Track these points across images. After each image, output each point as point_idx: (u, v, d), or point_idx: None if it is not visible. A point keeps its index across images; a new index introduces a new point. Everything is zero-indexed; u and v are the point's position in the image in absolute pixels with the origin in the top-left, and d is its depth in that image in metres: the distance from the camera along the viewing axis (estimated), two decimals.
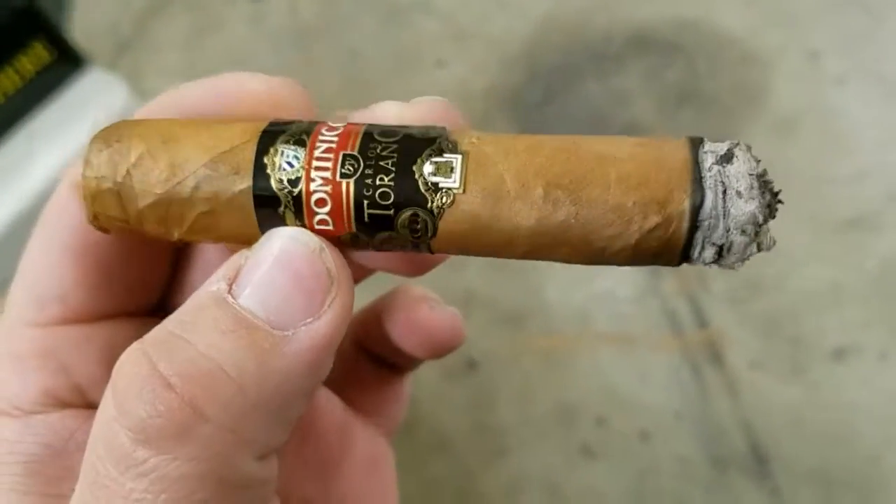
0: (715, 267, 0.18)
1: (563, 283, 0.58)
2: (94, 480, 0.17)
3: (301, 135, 0.19)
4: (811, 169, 0.61)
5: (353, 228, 0.19)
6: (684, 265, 0.19)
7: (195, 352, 0.17)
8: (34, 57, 0.44)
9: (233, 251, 0.19)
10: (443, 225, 0.18)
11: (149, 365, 0.17)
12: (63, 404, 0.21)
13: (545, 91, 0.68)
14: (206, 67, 0.73)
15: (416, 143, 0.18)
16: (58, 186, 0.22)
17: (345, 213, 0.18)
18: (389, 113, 0.20)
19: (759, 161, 0.17)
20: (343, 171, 0.18)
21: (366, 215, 0.18)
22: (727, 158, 0.17)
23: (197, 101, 0.21)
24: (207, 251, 0.24)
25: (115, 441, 0.17)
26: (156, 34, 0.76)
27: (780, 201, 0.18)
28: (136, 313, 0.24)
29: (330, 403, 0.27)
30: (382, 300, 0.27)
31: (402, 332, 0.26)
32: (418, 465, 0.53)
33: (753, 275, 0.57)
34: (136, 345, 0.18)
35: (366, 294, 0.26)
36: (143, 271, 0.23)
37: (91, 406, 0.21)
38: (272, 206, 0.19)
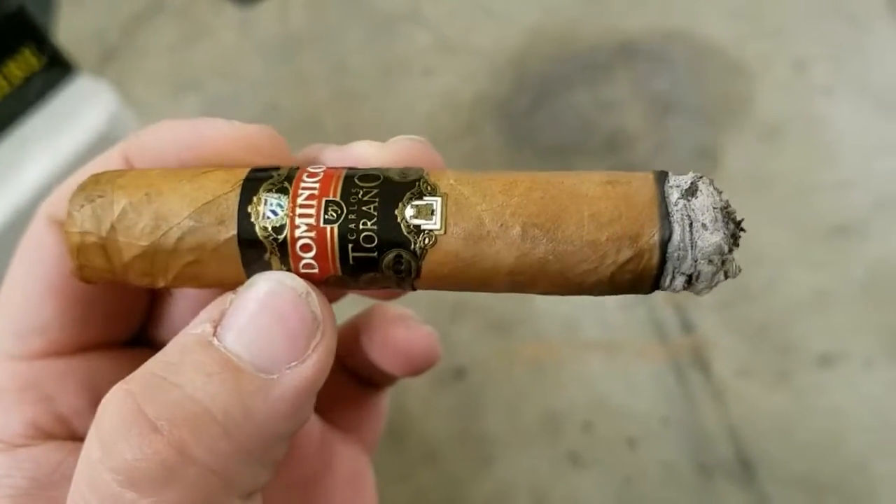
0: (685, 293, 0.19)
1: None
2: None
3: (283, 182, 0.19)
4: (797, 177, 0.62)
5: (339, 271, 0.19)
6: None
7: (181, 394, 0.17)
8: (23, 63, 0.44)
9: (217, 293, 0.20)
10: (426, 265, 0.19)
11: (135, 407, 0.17)
12: (47, 436, 0.21)
13: (533, 100, 0.69)
14: (192, 75, 0.73)
15: (397, 187, 0.19)
16: (34, 220, 0.22)
17: (330, 256, 0.19)
18: (365, 154, 0.21)
19: (722, 192, 0.18)
20: (326, 216, 0.19)
21: (350, 258, 0.19)
22: (692, 192, 0.18)
23: (175, 145, 0.21)
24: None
25: (99, 481, 0.17)
26: (143, 41, 0.76)
27: (742, 230, 0.19)
28: (115, 344, 0.24)
29: (309, 421, 0.27)
30: (360, 318, 0.27)
31: (380, 351, 0.27)
32: (406, 474, 0.53)
33: (739, 282, 0.57)
34: (120, 385, 0.18)
35: (345, 308, 0.26)
36: (122, 303, 0.23)
37: (75, 437, 0.22)
38: (258, 253, 0.19)
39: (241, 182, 0.19)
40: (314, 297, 0.19)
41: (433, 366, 0.27)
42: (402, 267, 0.19)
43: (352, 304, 0.28)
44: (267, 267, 0.19)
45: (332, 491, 0.27)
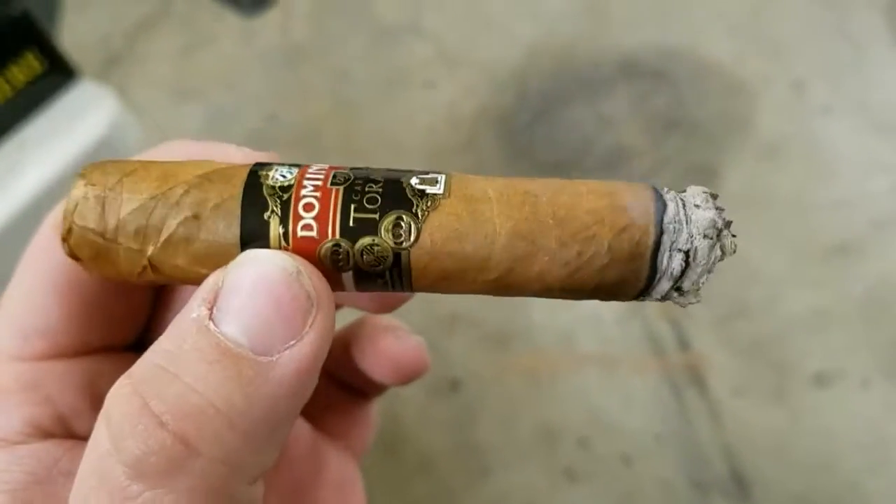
0: (676, 296, 0.19)
1: (549, 304, 0.58)
2: None
3: (294, 164, 0.20)
4: (796, 196, 0.62)
5: (337, 234, 0.19)
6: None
7: (183, 386, 0.17)
8: (25, 67, 0.44)
9: None
10: (426, 229, 0.19)
11: (140, 402, 0.17)
12: (46, 434, 0.22)
13: (533, 114, 0.69)
14: (194, 83, 0.74)
15: (402, 172, 0.19)
16: (42, 226, 0.22)
17: (331, 216, 0.19)
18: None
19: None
20: (334, 181, 0.19)
21: (351, 219, 0.19)
22: (680, 192, 0.19)
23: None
24: (185, 293, 0.24)
25: (109, 474, 0.17)
26: (146, 49, 0.77)
27: (733, 235, 0.19)
28: (116, 348, 0.24)
29: (299, 428, 0.28)
30: (350, 328, 0.28)
31: (369, 361, 0.27)
32: (402, 486, 0.52)
33: (737, 299, 0.57)
34: (125, 379, 0.18)
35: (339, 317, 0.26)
36: (124, 309, 0.24)
37: (74, 436, 0.22)
38: (259, 210, 0.19)
39: (251, 166, 0.20)
40: (305, 275, 0.19)
41: (422, 375, 0.27)
42: (402, 231, 0.19)
43: (344, 314, 0.28)
44: (265, 228, 0.19)
45: (322, 497, 0.28)
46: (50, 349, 0.22)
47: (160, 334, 0.25)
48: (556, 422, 0.54)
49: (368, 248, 0.19)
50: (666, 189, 0.19)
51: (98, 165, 0.20)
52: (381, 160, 0.67)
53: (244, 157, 0.21)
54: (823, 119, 0.66)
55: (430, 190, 0.19)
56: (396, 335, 0.27)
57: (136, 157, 0.22)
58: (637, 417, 0.54)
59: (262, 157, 0.22)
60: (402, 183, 0.19)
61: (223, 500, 0.17)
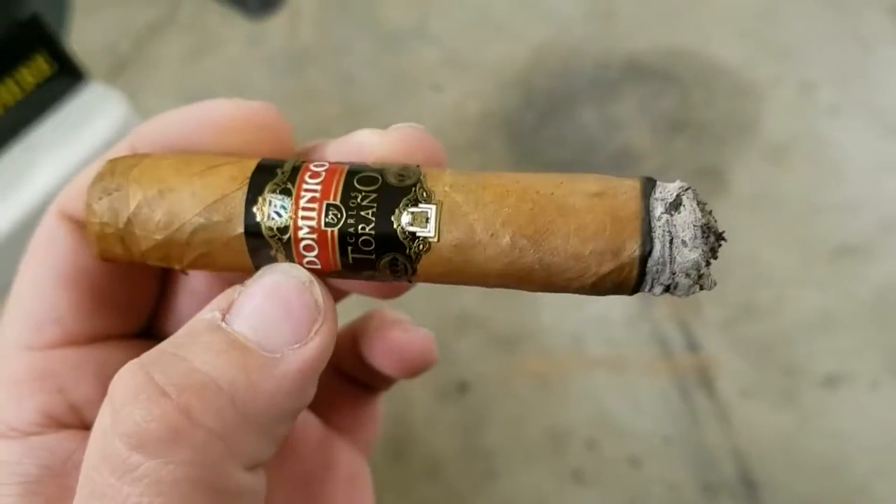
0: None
1: (558, 306, 0.58)
2: (92, 490, 0.18)
3: (286, 183, 0.20)
4: (804, 197, 0.62)
5: (339, 268, 0.20)
6: None
7: (190, 366, 0.18)
8: (35, 69, 0.44)
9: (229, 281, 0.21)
10: (420, 267, 0.20)
11: (145, 376, 0.18)
12: (60, 425, 0.22)
13: (540, 116, 0.69)
14: (202, 87, 0.74)
15: (394, 192, 0.20)
16: (45, 215, 0.23)
17: (331, 256, 0.20)
18: (367, 142, 0.22)
19: (705, 205, 0.19)
20: (327, 220, 0.20)
21: (350, 259, 0.20)
22: (675, 206, 0.19)
23: (184, 130, 0.22)
24: (193, 279, 0.25)
25: (110, 448, 0.17)
26: (154, 53, 0.77)
27: (723, 240, 0.20)
28: (126, 336, 0.25)
29: (308, 422, 0.28)
30: (357, 323, 0.28)
31: (377, 354, 0.28)
32: (409, 488, 0.52)
33: (745, 301, 0.57)
34: (132, 362, 0.19)
35: (345, 309, 0.26)
36: (132, 296, 0.24)
37: (87, 426, 0.22)
38: (265, 250, 0.20)
39: (248, 180, 0.20)
40: (317, 287, 0.20)
41: (429, 367, 0.28)
42: (398, 268, 0.20)
43: (353, 306, 0.28)
44: (273, 260, 0.21)
45: (332, 491, 0.28)
46: (61, 337, 0.22)
47: (168, 321, 0.26)
48: (564, 424, 0.54)
49: (370, 276, 0.20)
50: (659, 211, 0.19)
51: (102, 194, 0.21)
52: None
53: (238, 109, 0.22)
54: (831, 121, 0.66)
55: (420, 233, 0.20)
56: (404, 327, 0.27)
57: (129, 139, 0.23)
58: (645, 419, 0.54)
59: (256, 110, 0.22)
60: (392, 224, 0.20)
61: (218, 477, 0.18)
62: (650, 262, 0.19)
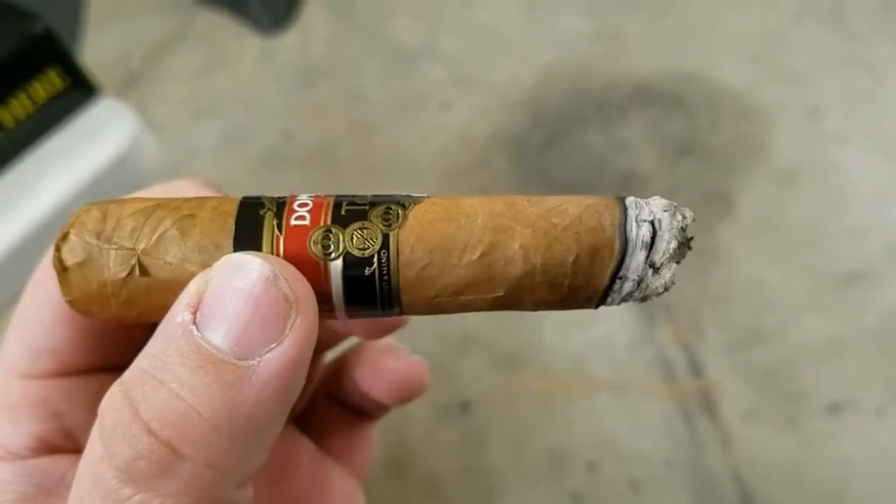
0: (650, 274, 0.21)
1: (561, 326, 0.58)
2: None
3: (278, 200, 0.21)
4: (810, 223, 0.62)
5: (329, 221, 0.20)
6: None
7: (168, 393, 0.18)
8: (47, 84, 0.45)
9: None
10: (412, 216, 0.20)
11: (130, 409, 0.18)
12: (54, 449, 0.22)
13: (547, 137, 0.69)
14: (212, 102, 0.74)
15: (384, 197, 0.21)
16: (50, 250, 0.23)
17: (324, 210, 0.20)
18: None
19: (678, 209, 0.20)
20: (325, 195, 0.21)
21: (343, 209, 0.20)
22: (648, 220, 0.20)
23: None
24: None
25: (102, 478, 0.18)
26: (165, 68, 0.77)
27: (689, 248, 0.21)
28: (123, 366, 0.25)
29: (301, 444, 0.29)
30: (350, 350, 0.29)
31: (370, 379, 0.28)
32: None
33: (750, 325, 0.57)
34: (117, 386, 0.19)
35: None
36: (126, 331, 0.25)
37: (80, 450, 0.23)
38: (255, 208, 0.20)
39: (238, 203, 0.21)
40: (282, 278, 0.19)
41: (421, 394, 0.28)
42: (391, 215, 0.20)
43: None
44: (259, 223, 0.20)
45: None
46: (58, 367, 0.23)
47: None
48: (564, 445, 0.54)
49: (359, 230, 0.20)
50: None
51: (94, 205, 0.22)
52: (394, 179, 0.68)
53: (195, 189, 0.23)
54: (839, 146, 0.66)
55: (414, 193, 0.21)
56: (396, 355, 0.28)
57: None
58: (647, 442, 0.53)
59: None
60: (389, 194, 0.21)
61: (210, 502, 0.18)
62: (628, 201, 0.20)
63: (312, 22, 0.80)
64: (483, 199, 0.21)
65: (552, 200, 0.21)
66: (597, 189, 0.65)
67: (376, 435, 0.32)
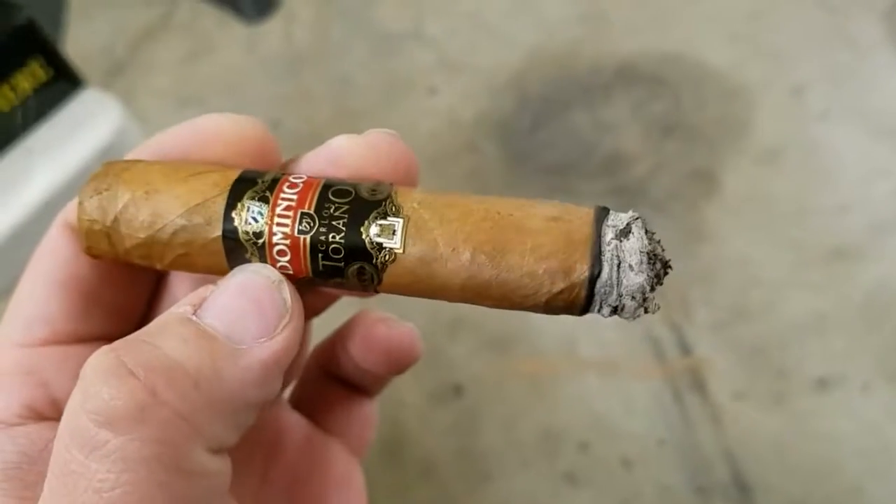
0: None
1: None
2: (62, 468, 0.19)
3: (265, 192, 0.22)
4: (795, 200, 0.62)
5: (310, 274, 0.21)
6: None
7: (159, 352, 0.19)
8: (31, 75, 0.45)
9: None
10: (386, 277, 0.21)
11: (115, 357, 0.19)
12: (41, 417, 0.23)
13: (533, 120, 0.69)
14: (197, 91, 0.74)
15: (365, 205, 0.21)
16: (53, 224, 0.24)
17: (302, 262, 0.21)
18: (339, 144, 0.23)
19: (654, 234, 0.21)
20: (300, 227, 0.21)
21: (320, 265, 0.21)
22: (625, 234, 0.20)
23: (178, 145, 0.24)
24: (179, 287, 0.26)
25: (79, 426, 0.18)
26: (149, 57, 0.77)
27: (669, 268, 0.21)
28: (113, 338, 0.25)
29: (294, 422, 0.29)
30: (344, 325, 0.29)
31: (363, 350, 0.28)
32: (402, 491, 0.53)
33: (737, 303, 0.58)
34: (104, 347, 0.19)
35: (331, 319, 0.28)
36: (121, 301, 0.25)
37: None
38: (240, 253, 0.22)
39: (230, 187, 0.22)
40: (286, 287, 0.21)
41: (414, 362, 0.29)
42: (365, 277, 0.21)
43: (341, 310, 0.29)
44: (248, 263, 0.22)
45: (323, 491, 0.29)
46: (49, 336, 0.24)
47: None
48: (557, 426, 0.54)
49: (339, 283, 0.22)
50: (609, 236, 0.21)
51: (93, 193, 0.23)
52: None
53: (231, 123, 0.24)
54: (822, 124, 0.66)
55: (387, 244, 0.21)
56: (387, 324, 0.28)
57: (130, 155, 0.24)
58: (638, 422, 0.54)
59: (246, 125, 0.24)
60: (361, 234, 0.21)
61: (182, 456, 0.18)
62: (598, 284, 0.20)
63: (296, 8, 0.80)
64: (454, 262, 0.21)
65: (528, 241, 0.21)
66: (583, 170, 0.65)
67: (376, 412, 0.32)
